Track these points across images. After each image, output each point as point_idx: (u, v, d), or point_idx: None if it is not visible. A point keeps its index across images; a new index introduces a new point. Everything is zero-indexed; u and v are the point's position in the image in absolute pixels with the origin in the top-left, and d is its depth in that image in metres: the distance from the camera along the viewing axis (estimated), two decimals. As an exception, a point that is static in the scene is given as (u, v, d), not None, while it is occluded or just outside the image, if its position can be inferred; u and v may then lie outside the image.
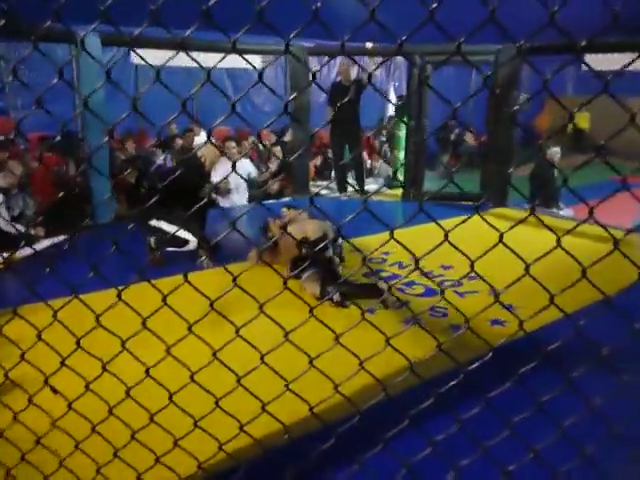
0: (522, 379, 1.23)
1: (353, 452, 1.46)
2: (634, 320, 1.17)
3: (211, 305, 1.22)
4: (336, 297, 3.50)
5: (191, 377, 1.33)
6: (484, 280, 1.19)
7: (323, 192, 7.17)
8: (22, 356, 1.37)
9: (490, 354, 1.22)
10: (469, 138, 11.11)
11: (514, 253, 1.10)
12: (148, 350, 1.32)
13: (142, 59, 1.27)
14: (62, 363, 1.35)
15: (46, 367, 1.41)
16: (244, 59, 1.16)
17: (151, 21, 0.98)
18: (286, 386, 1.30)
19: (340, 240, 3.97)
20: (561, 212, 6.35)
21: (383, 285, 3.65)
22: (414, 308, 3.51)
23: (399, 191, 6.55)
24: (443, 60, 6.14)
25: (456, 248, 1.15)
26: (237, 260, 3.95)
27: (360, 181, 6.92)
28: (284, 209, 4.47)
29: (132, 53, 7.34)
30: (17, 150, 6.10)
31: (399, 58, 9.49)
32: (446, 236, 1.12)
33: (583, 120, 9.73)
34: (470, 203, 6.11)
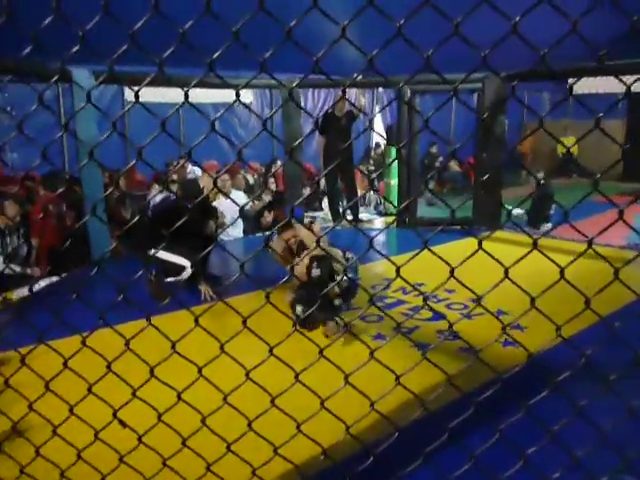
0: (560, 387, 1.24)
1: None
2: None
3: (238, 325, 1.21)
4: (299, 311, 3.54)
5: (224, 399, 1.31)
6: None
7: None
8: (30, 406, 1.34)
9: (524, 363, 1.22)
10: (453, 164, 11.30)
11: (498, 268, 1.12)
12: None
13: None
14: (71, 411, 1.36)
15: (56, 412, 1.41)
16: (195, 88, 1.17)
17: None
18: (321, 403, 1.28)
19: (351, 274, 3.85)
20: (543, 228, 6.57)
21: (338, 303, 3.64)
22: (423, 333, 3.50)
23: (392, 218, 6.59)
24: (430, 88, 6.28)
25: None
26: (238, 293, 3.90)
27: (354, 210, 6.98)
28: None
29: (125, 90, 7.36)
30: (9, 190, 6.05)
31: (379, 89, 9.66)
32: (480, 246, 1.14)
33: (568, 143, 9.90)
34: (461, 228, 6.19)
